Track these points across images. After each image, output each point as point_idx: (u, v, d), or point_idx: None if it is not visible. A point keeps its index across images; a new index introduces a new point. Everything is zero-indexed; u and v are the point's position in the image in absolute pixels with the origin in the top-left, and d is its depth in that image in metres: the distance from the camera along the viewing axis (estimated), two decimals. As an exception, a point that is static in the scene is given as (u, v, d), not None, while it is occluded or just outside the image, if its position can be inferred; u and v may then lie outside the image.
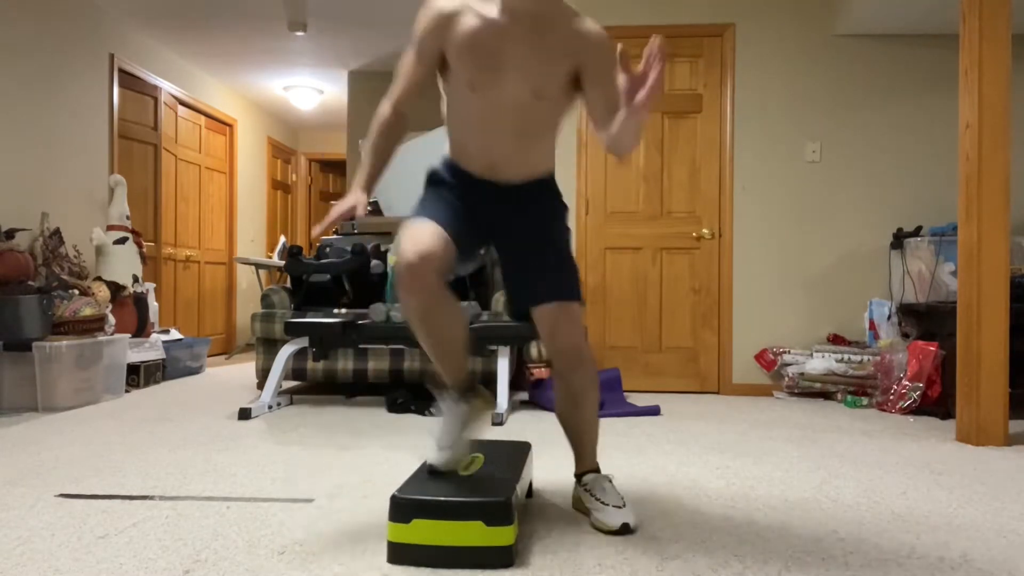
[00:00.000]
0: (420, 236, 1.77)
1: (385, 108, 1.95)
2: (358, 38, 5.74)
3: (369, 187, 1.89)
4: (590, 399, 1.98)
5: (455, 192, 1.97)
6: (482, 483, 1.74)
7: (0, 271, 3.75)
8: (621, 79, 1.65)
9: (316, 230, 1.69)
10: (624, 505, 1.90)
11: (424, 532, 1.61)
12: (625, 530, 1.85)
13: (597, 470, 2.04)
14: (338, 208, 1.80)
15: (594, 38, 1.88)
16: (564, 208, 2.07)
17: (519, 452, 2.06)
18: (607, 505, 1.89)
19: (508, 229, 1.98)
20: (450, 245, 1.80)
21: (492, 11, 1.85)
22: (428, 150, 5.10)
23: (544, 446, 2.93)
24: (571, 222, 3.78)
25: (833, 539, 1.82)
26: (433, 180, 2.02)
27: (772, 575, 1.59)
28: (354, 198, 1.81)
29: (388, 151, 1.95)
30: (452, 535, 1.60)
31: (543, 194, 2.03)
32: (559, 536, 1.82)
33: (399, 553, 1.62)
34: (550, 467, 2.56)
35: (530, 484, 2.18)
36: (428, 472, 1.84)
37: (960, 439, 3.09)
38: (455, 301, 1.86)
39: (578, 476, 2.03)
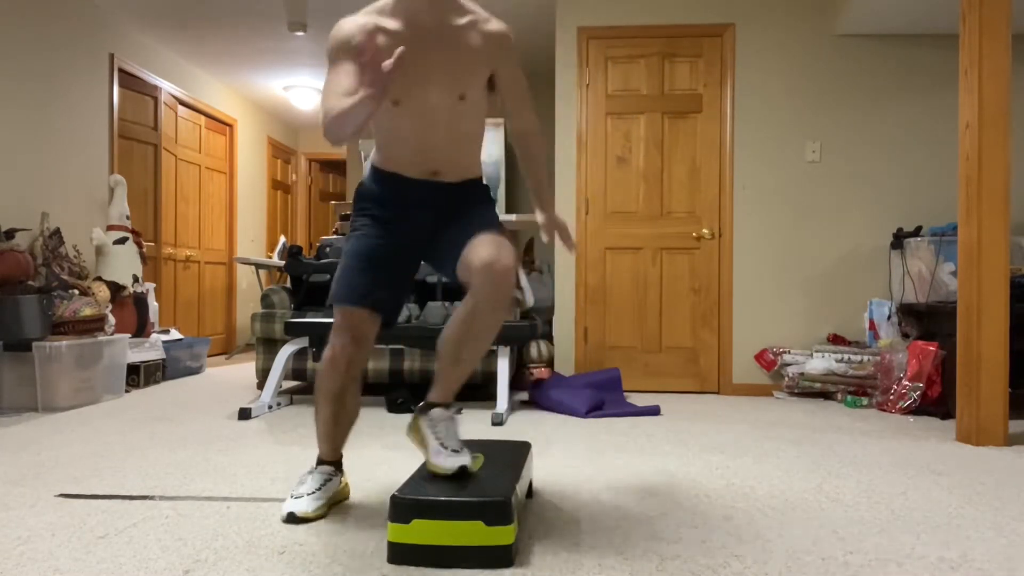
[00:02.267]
0: (345, 328, 1.95)
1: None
2: (358, 38, 5.73)
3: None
4: (484, 343, 1.90)
5: (383, 214, 2.01)
6: (482, 483, 1.74)
7: (0, 271, 3.75)
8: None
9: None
10: (461, 448, 1.80)
11: (424, 532, 1.61)
12: (462, 473, 1.74)
13: (449, 405, 1.91)
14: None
15: (503, 40, 1.97)
16: (493, 203, 2.14)
17: (519, 452, 2.06)
18: (445, 448, 1.79)
19: (445, 220, 2.01)
20: (374, 323, 1.97)
21: (398, 26, 1.88)
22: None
23: (544, 446, 2.93)
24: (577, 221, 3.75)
25: (833, 539, 1.82)
26: (360, 204, 2.06)
27: (772, 575, 1.59)
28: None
29: None
30: (452, 535, 1.60)
31: (476, 190, 2.09)
32: (559, 536, 1.82)
33: (399, 553, 1.62)
34: (550, 467, 2.56)
35: (530, 484, 2.18)
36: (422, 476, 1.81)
37: (960, 439, 3.09)
38: (359, 388, 2.04)
39: (426, 405, 1.90)
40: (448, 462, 1.76)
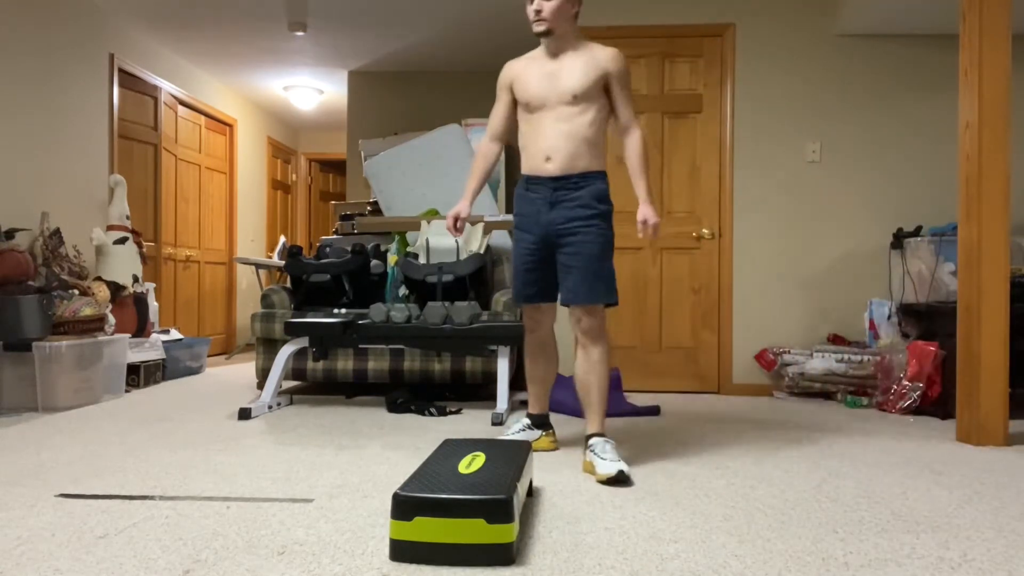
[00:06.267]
0: (524, 311, 2.80)
1: (485, 141, 2.80)
2: (358, 38, 5.75)
3: (470, 198, 2.75)
4: (603, 369, 2.60)
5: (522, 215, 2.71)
6: (483, 481, 1.74)
7: (0, 271, 3.75)
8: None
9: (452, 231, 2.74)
10: (619, 460, 2.37)
11: (426, 529, 1.61)
12: (620, 476, 2.27)
13: (602, 435, 2.54)
14: (449, 215, 2.72)
15: (616, 58, 2.64)
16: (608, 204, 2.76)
17: (520, 451, 2.06)
18: (604, 459, 2.37)
19: (557, 226, 2.62)
20: (543, 308, 2.76)
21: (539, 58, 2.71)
22: (422, 151, 5.11)
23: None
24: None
25: (833, 539, 1.82)
26: (516, 208, 2.74)
27: (772, 575, 1.59)
28: (459, 208, 2.72)
29: (488, 170, 2.81)
30: (453, 532, 1.61)
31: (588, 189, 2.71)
32: (559, 536, 1.82)
33: (401, 550, 1.63)
34: (550, 467, 2.56)
35: (531, 483, 2.18)
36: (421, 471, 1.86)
37: (960, 439, 3.09)
38: (551, 353, 2.83)
39: (586, 439, 2.55)
40: (607, 468, 2.32)
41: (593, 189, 2.59)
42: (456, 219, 2.72)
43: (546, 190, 2.60)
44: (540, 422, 2.83)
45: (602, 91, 2.61)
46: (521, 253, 2.69)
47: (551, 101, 2.58)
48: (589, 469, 2.44)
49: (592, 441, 2.50)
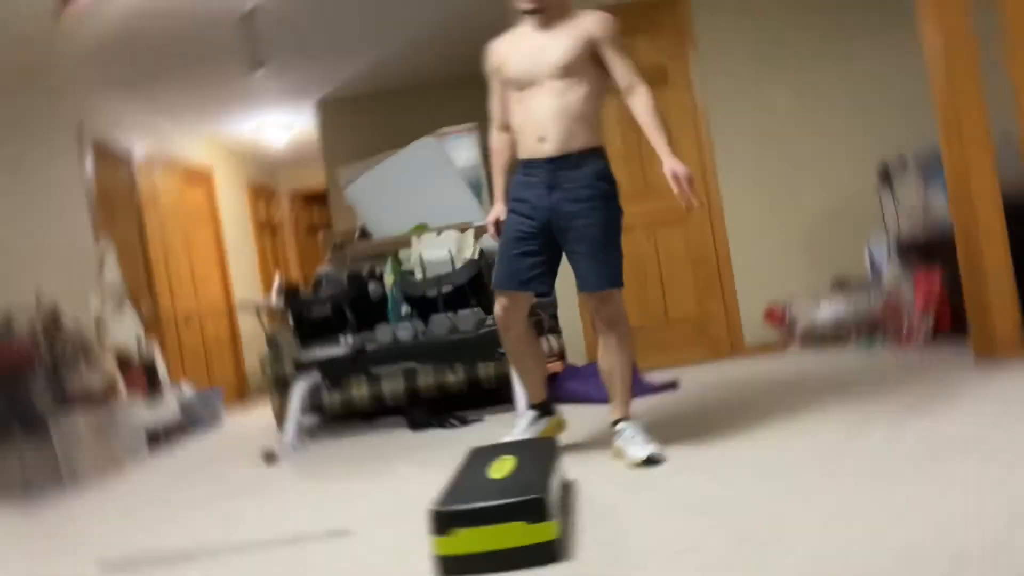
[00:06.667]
0: (499, 301, 2.56)
1: (494, 134, 2.67)
2: (320, 66, 5.74)
3: (504, 198, 2.63)
4: (623, 354, 2.57)
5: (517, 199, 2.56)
6: (516, 484, 1.75)
7: (3, 368, 3.73)
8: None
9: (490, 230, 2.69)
10: (649, 442, 2.34)
11: (468, 540, 1.61)
12: (652, 459, 2.25)
13: (627, 418, 2.48)
14: (488, 223, 2.69)
15: (598, 21, 2.53)
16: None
17: (548, 448, 2.06)
18: (634, 444, 2.34)
19: (561, 209, 2.50)
20: (522, 298, 2.56)
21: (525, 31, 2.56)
22: (399, 168, 5.10)
23: (570, 437, 2.92)
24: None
25: (872, 482, 1.82)
26: (514, 194, 2.58)
27: (818, 526, 1.59)
28: (496, 211, 2.66)
29: (511, 163, 2.65)
30: (495, 539, 1.60)
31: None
32: (602, 526, 1.82)
33: (447, 566, 1.62)
34: (581, 459, 2.56)
35: (563, 478, 2.18)
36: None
37: (979, 355, 3.07)
38: (531, 340, 2.77)
39: (613, 423, 2.49)
40: (639, 452, 2.29)
41: (593, 167, 2.49)
42: (497, 223, 2.64)
43: (544, 172, 2.46)
44: (544, 410, 2.76)
45: (594, 61, 2.47)
46: (516, 237, 2.51)
47: (540, 77, 2.43)
48: (619, 455, 2.41)
49: (619, 427, 2.46)
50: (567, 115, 2.42)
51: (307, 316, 4.51)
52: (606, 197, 2.51)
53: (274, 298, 6.88)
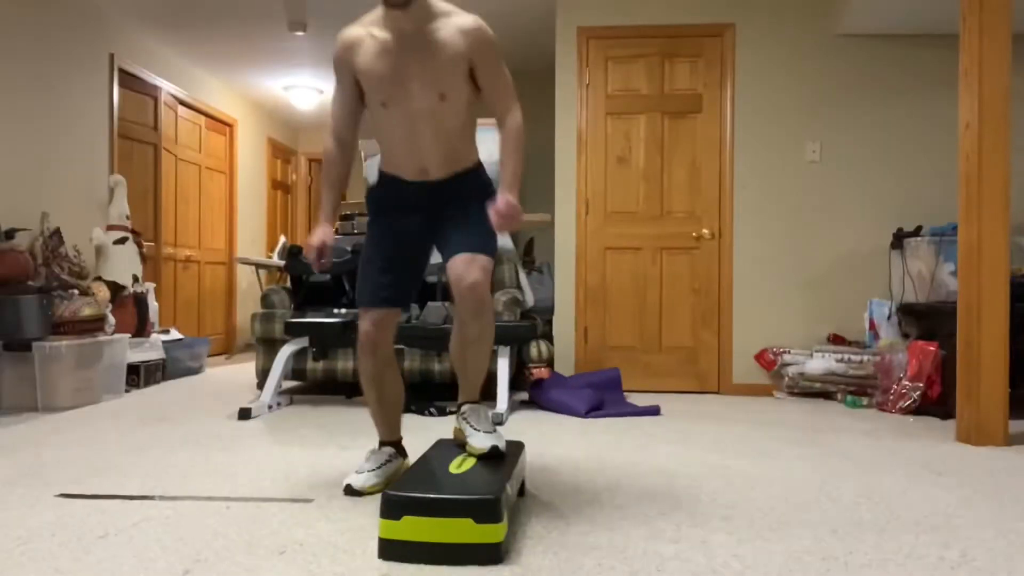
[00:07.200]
0: (366, 319, 2.20)
1: (328, 143, 2.28)
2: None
3: (332, 218, 2.27)
4: (481, 348, 2.17)
5: (384, 219, 2.25)
6: (473, 481, 1.75)
7: (0, 271, 3.75)
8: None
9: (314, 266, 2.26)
10: (494, 431, 2.08)
11: (414, 529, 1.62)
12: (495, 452, 1.99)
13: (476, 402, 2.21)
14: (310, 247, 2.22)
15: (475, 33, 2.09)
16: (490, 194, 2.19)
17: (512, 451, 2.06)
18: (478, 431, 2.07)
19: (440, 217, 2.21)
20: (388, 314, 2.21)
21: (385, 34, 2.10)
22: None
23: (544, 446, 2.93)
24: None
25: (833, 539, 1.82)
26: (372, 204, 2.30)
27: (772, 575, 1.58)
28: (321, 233, 2.23)
29: (342, 179, 2.29)
30: (442, 532, 1.61)
31: (470, 184, 2.23)
32: (559, 536, 1.82)
33: (390, 549, 1.64)
34: (549, 467, 2.56)
35: (523, 483, 2.18)
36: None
37: (960, 439, 3.09)
38: (396, 372, 2.30)
39: (458, 407, 2.21)
40: (482, 442, 2.02)
41: (476, 186, 2.23)
42: (321, 250, 2.21)
43: (424, 193, 2.19)
44: (399, 448, 2.40)
45: (468, 75, 2.13)
46: (383, 250, 2.22)
47: (413, 99, 2.09)
48: (460, 437, 2.15)
49: (465, 408, 2.17)
50: (448, 140, 2.14)
51: (306, 281, 4.52)
52: (488, 202, 2.10)
53: (276, 258, 6.90)
